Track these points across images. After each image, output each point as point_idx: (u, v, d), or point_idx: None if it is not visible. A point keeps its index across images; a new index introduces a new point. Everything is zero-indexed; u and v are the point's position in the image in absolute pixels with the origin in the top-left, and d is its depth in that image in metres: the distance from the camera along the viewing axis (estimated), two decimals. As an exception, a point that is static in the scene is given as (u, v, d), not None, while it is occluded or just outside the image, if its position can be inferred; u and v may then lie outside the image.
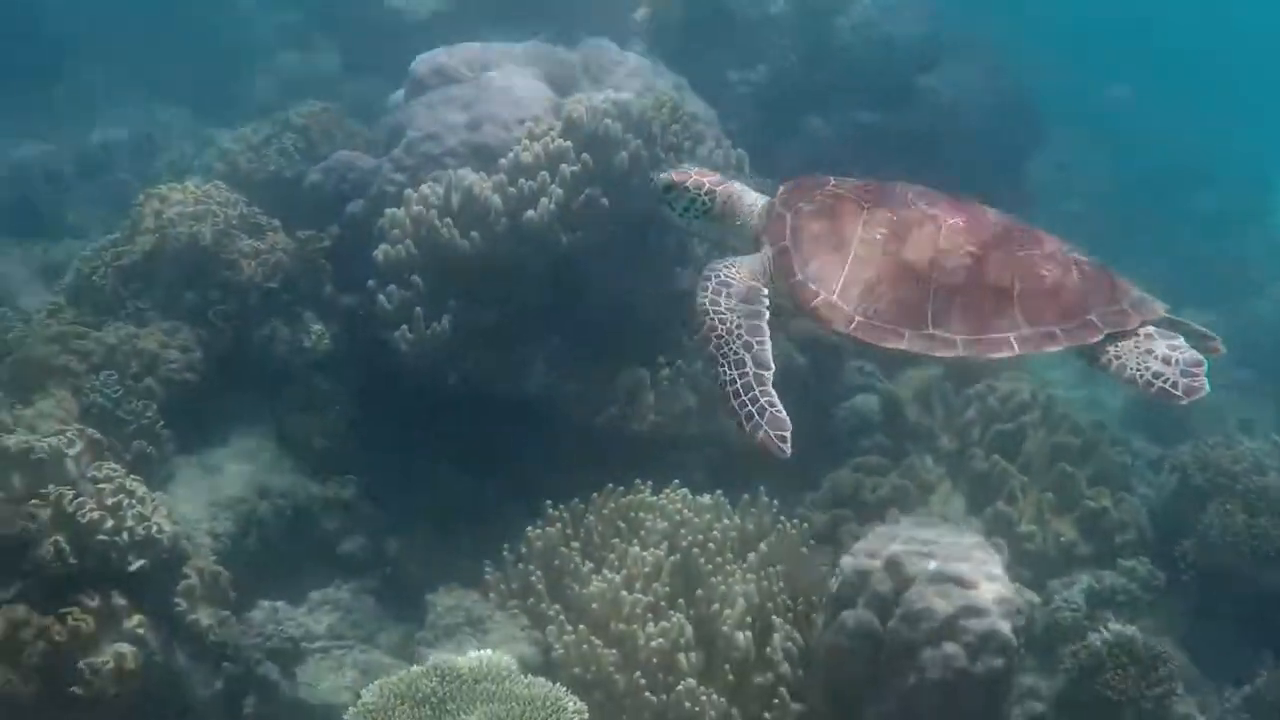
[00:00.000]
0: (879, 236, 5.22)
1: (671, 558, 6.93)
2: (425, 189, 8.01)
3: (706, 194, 5.64)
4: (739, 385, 5.03)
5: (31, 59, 15.60)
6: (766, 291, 5.31)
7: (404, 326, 7.68)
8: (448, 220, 7.70)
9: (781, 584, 6.87)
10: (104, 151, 13.99)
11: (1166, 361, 4.94)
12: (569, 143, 7.88)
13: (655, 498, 7.35)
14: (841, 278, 5.18)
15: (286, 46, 16.39)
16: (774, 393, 4.99)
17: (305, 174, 9.92)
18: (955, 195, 5.48)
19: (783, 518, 7.41)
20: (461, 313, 7.72)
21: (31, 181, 12.23)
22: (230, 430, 8.56)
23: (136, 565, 6.17)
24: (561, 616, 6.70)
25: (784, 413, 4.92)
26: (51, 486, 6.19)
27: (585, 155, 7.76)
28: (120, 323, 8.34)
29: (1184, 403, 4.90)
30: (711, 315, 5.22)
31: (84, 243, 11.49)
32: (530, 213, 7.65)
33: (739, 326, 5.16)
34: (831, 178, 5.57)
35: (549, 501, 7.38)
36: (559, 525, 7.24)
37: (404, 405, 8.38)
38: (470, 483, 8.39)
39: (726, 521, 7.25)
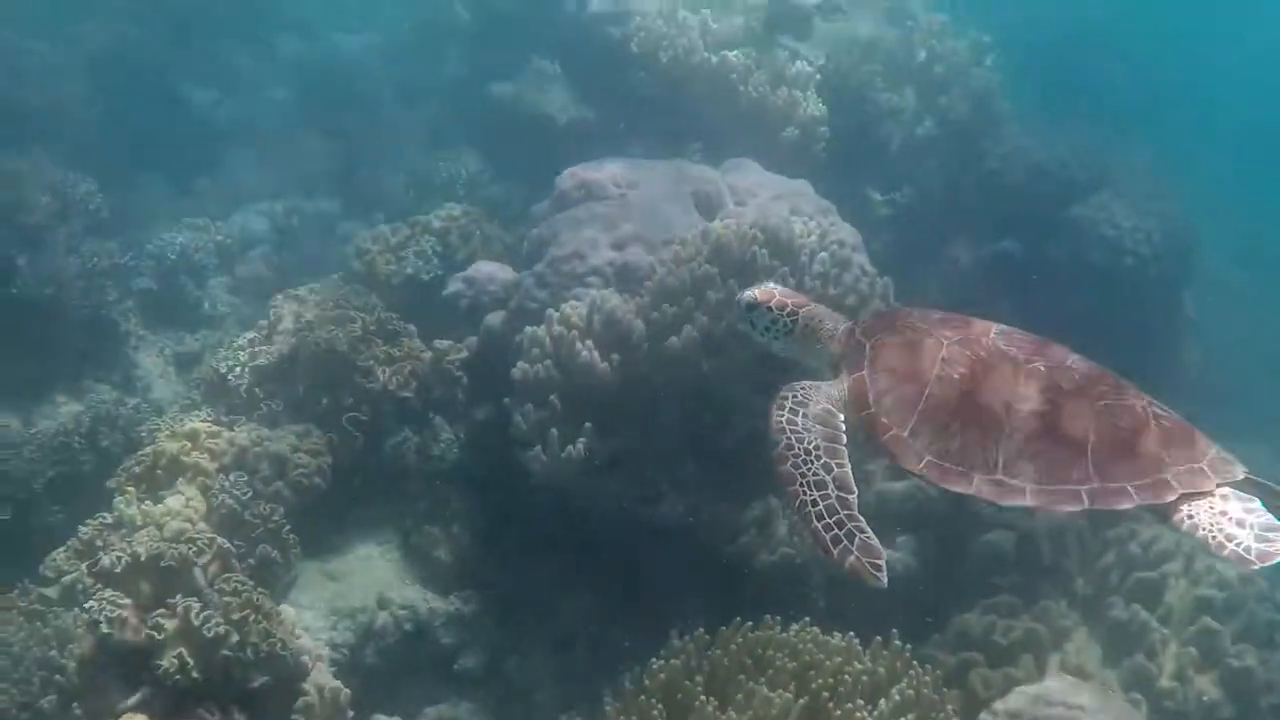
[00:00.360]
0: (956, 375, 5.17)
1: (800, 700, 6.66)
2: (567, 309, 7.93)
3: (789, 315, 5.68)
4: (822, 507, 4.99)
5: (185, 147, 15.92)
6: (842, 418, 5.29)
7: (538, 448, 7.57)
8: (589, 342, 7.61)
9: (913, 735, 6.60)
10: (243, 242, 14.13)
11: (1241, 525, 4.84)
12: (715, 269, 7.74)
13: (785, 635, 7.09)
14: (915, 415, 5.15)
15: (427, 146, 16.56)
16: (861, 518, 4.94)
17: (442, 278, 10.00)
18: (1040, 338, 5.43)
19: (915, 663, 7.12)
20: (597, 436, 7.59)
21: (172, 270, 12.36)
22: (355, 538, 8.60)
23: (259, 683, 6.07)
24: (684, 758, 6.47)
25: (875, 539, 4.87)
26: (179, 597, 6.13)
27: (732, 282, 7.62)
28: (253, 424, 8.36)
29: (1256, 567, 4.77)
30: (788, 433, 5.19)
31: (219, 334, 11.69)
32: (673, 339, 7.53)
33: (817, 447, 5.14)
34: (915, 310, 5.59)
35: (674, 631, 7.10)
36: (683, 657, 7.01)
37: (532, 522, 8.26)
38: (594, 604, 8.23)
39: (858, 665, 6.96)
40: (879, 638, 7.07)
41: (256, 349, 8.76)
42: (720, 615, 7.13)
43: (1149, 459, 4.98)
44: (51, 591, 7.54)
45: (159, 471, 7.97)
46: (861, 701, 6.58)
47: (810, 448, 5.15)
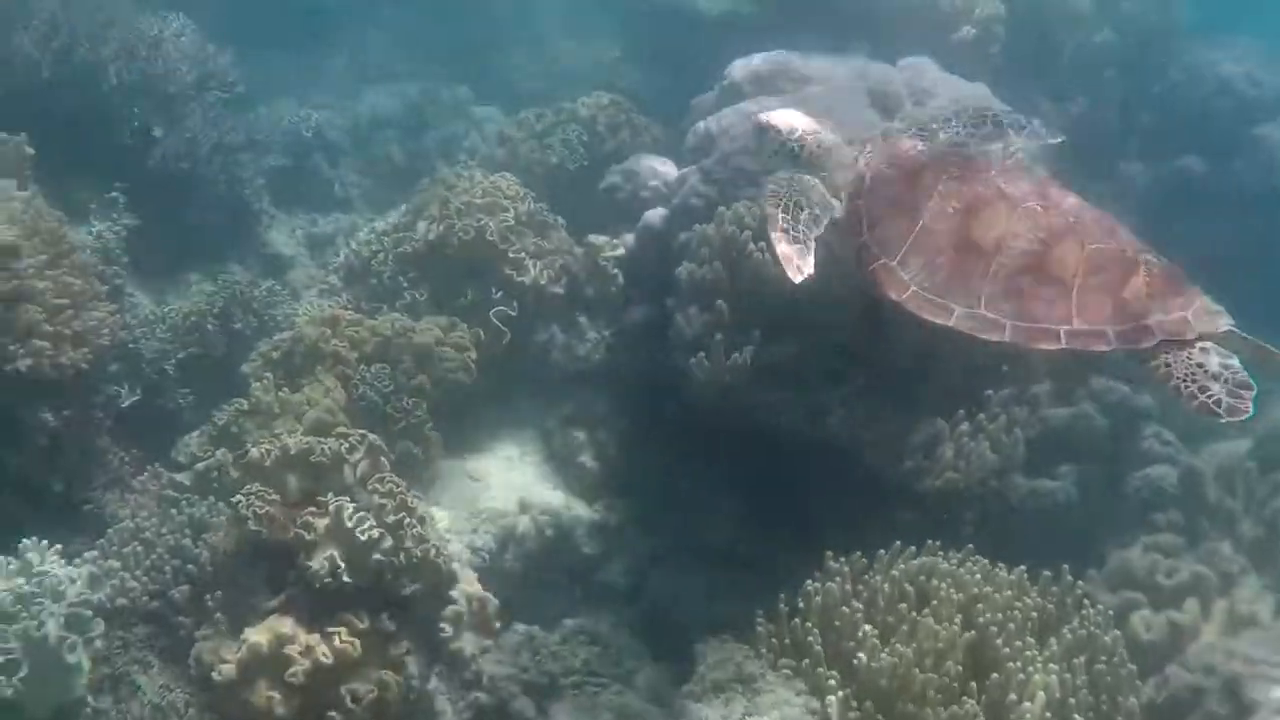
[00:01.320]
0: (951, 209, 5.37)
1: (966, 634, 6.30)
2: (741, 208, 7.48)
3: (797, 138, 5.80)
4: (790, 215, 5.56)
5: (313, 26, 15.62)
6: (825, 221, 5.67)
7: (701, 354, 7.18)
8: (763, 244, 7.19)
9: (1084, 678, 6.19)
10: (374, 124, 13.84)
11: (1215, 378, 4.96)
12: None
13: (951, 565, 6.71)
14: (905, 246, 5.38)
15: (562, 32, 16.16)
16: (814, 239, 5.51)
17: (587, 168, 9.78)
18: (1044, 178, 5.61)
19: (1086, 600, 6.71)
20: (765, 344, 7.19)
21: (306, 149, 12.10)
22: (497, 438, 8.34)
23: (410, 590, 5.81)
24: (843, 690, 6.13)
25: (812, 250, 5.48)
26: (330, 496, 5.87)
27: (918, 188, 7.17)
28: (396, 313, 8.07)
29: (1223, 420, 4.89)
30: (782, 184, 5.68)
31: (351, 217, 11.42)
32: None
33: (807, 199, 5.63)
34: (920, 143, 5.78)
35: (830, 553, 6.73)
36: (839, 580, 6.65)
37: (684, 431, 7.88)
38: (746, 521, 7.83)
39: (1028, 600, 6.58)
40: (1047, 572, 6.68)
41: (401, 235, 8.44)
42: (878, 541, 6.80)
43: (1132, 304, 5.09)
44: (184, 478, 7.39)
45: (297, 358, 7.76)
46: (1031, 640, 6.24)
47: (798, 197, 5.62)
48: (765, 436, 7.60)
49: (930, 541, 6.76)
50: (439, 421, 7.72)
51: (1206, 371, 4.99)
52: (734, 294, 7.26)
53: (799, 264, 5.43)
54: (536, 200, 8.72)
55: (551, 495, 8.04)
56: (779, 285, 6.57)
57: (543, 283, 8.17)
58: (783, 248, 5.46)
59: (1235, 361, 5.03)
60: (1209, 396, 4.92)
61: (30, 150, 8.23)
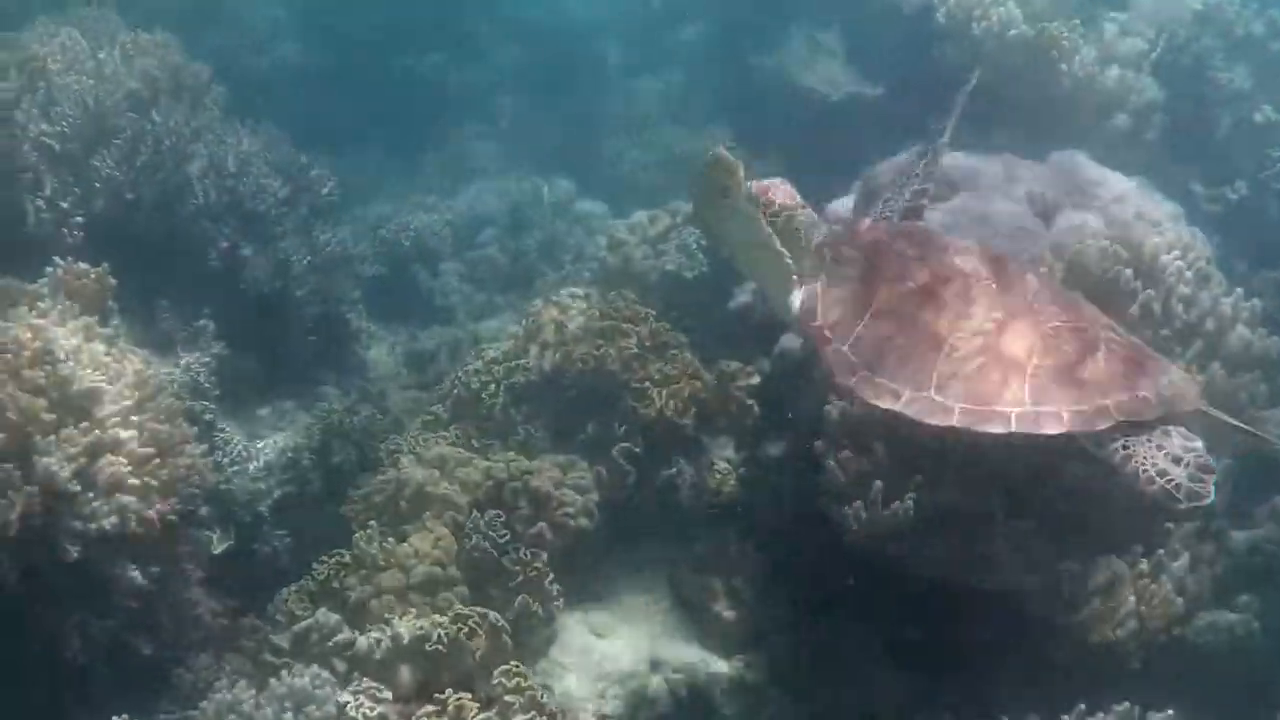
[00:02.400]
0: (907, 289, 5.37)
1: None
2: (897, 340, 6.85)
3: (771, 214, 5.68)
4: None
5: (411, 116, 15.37)
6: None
7: (858, 504, 6.52)
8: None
9: None
10: (474, 223, 13.42)
11: (1176, 461, 4.89)
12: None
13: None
14: (857, 329, 5.38)
15: (671, 118, 15.72)
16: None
17: (706, 275, 9.39)
18: (1001, 255, 5.56)
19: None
20: (927, 489, 6.52)
21: (403, 259, 11.69)
22: (620, 584, 7.72)
23: (541, 794, 5.19)
24: None
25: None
26: (450, 693, 5.27)
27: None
28: (510, 451, 7.52)
29: (1182, 507, 4.83)
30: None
31: (453, 330, 10.97)
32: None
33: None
34: (884, 224, 5.96)
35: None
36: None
37: (830, 579, 7.23)
38: (902, 678, 7.19)
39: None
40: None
41: (513, 364, 7.90)
42: (1057, 701, 6.20)
43: (1090, 384, 5.04)
44: (282, 639, 6.87)
45: (402, 503, 7.25)
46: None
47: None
48: (923, 586, 6.94)
49: (1123, 704, 6.11)
50: (558, 570, 7.12)
51: (1167, 454, 4.92)
52: (893, 435, 6.60)
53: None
54: (658, 318, 8.12)
55: (684, 650, 7.41)
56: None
57: (669, 414, 7.55)
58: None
59: (1199, 444, 4.97)
60: (1168, 481, 4.85)
61: (112, 280, 7.82)
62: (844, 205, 8.48)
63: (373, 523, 7.12)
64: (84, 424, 6.56)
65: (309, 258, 9.58)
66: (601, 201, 14.08)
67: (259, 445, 8.54)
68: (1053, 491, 6.60)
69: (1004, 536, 6.71)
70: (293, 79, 15.65)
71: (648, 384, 7.59)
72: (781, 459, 7.63)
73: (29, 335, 6.88)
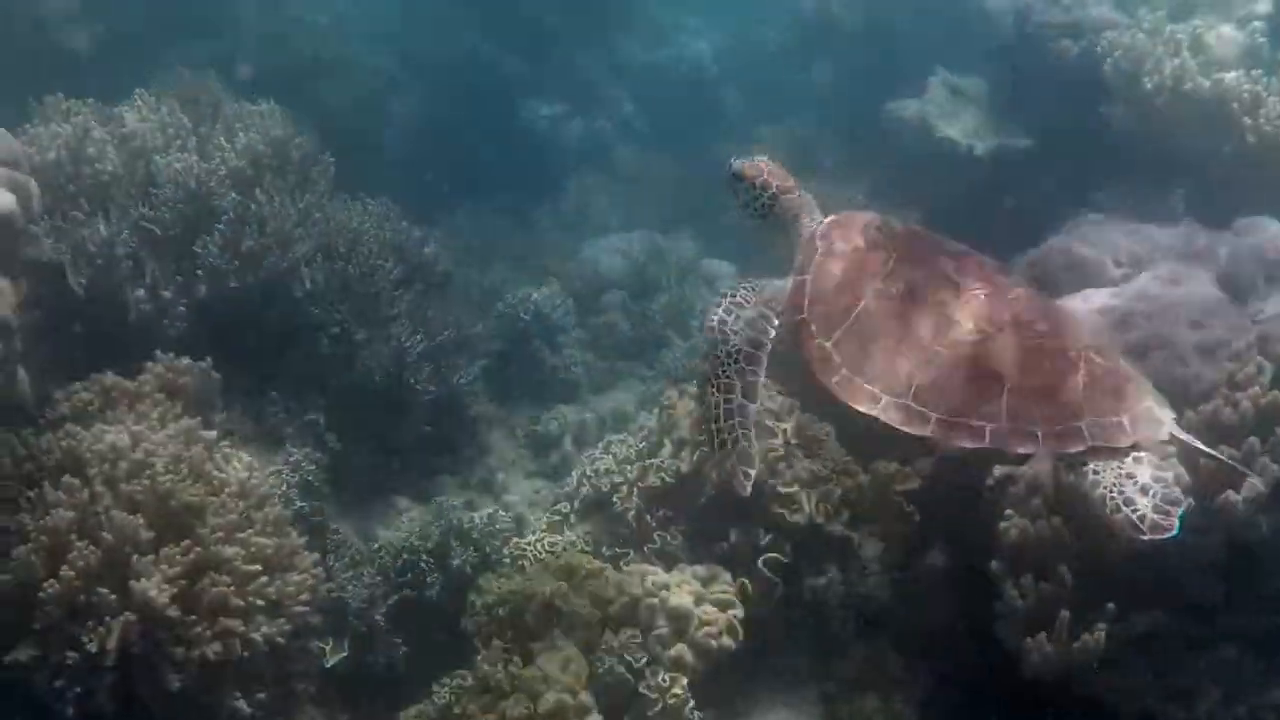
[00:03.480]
0: (894, 292, 5.42)
1: None
2: (1084, 445, 6.24)
3: (769, 196, 5.91)
4: (721, 410, 5.67)
5: (526, 170, 15.36)
6: (776, 323, 5.72)
7: (1041, 635, 5.90)
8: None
9: None
10: (595, 287, 12.97)
11: (1144, 491, 4.95)
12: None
13: None
14: (842, 327, 5.42)
15: (804, 170, 15.18)
16: (752, 430, 5.69)
17: None
18: (993, 265, 5.59)
19: None
20: (1118, 617, 5.88)
21: (523, 335, 11.25)
22: (763, 701, 7.16)
23: None
24: None
25: (755, 452, 5.70)
26: None
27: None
28: (645, 563, 7.02)
29: (1144, 539, 4.86)
30: (717, 333, 5.75)
31: (576, 409, 10.56)
32: (1230, 495, 5.71)
33: (739, 351, 5.68)
34: (880, 218, 5.85)
35: None
36: None
37: (1004, 702, 6.60)
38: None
39: None
40: None
41: (646, 463, 7.40)
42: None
43: (1067, 405, 5.11)
44: (403, 770, 6.48)
45: (528, 617, 6.75)
46: None
47: (732, 351, 5.68)
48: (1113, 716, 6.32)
49: None
50: (699, 695, 6.64)
51: (1136, 483, 4.97)
52: (1077, 556, 5.99)
53: (742, 481, 5.72)
54: (802, 408, 7.57)
55: (840, 779, 6.82)
56: (1131, 542, 5.39)
57: (819, 520, 7.00)
58: (729, 464, 5.74)
59: (1169, 474, 5.05)
60: (1133, 511, 4.90)
61: (216, 376, 7.56)
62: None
63: (496, 641, 6.66)
64: (185, 542, 6.25)
65: (425, 343, 9.13)
66: (728, 261, 13.56)
67: (373, 547, 8.11)
68: (1263, 606, 6.11)
69: (1202, 666, 6.12)
70: (404, 134, 15.46)
71: (795, 486, 7.04)
72: (945, 570, 7.03)
73: (127, 443, 6.62)
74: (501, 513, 8.60)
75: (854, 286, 5.50)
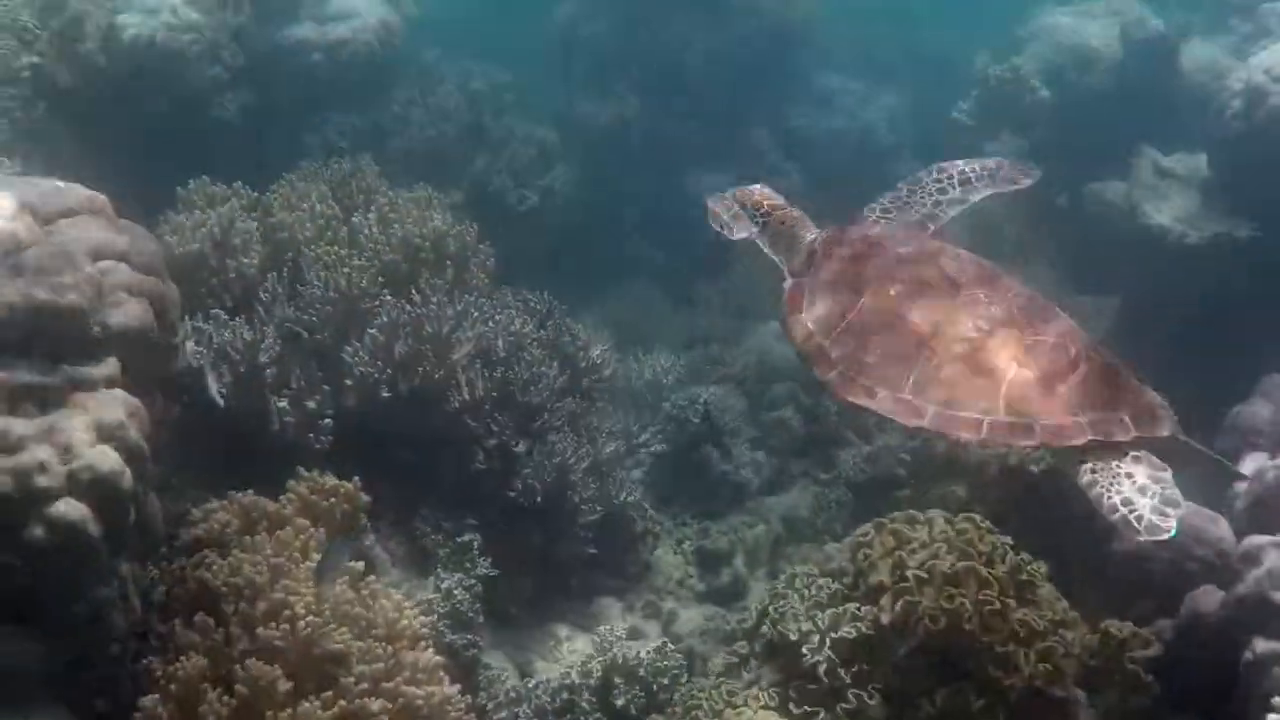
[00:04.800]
0: (893, 291, 5.51)
1: None
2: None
3: (761, 215, 6.02)
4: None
5: (688, 244, 14.89)
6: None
7: None
8: None
9: None
10: (765, 377, 12.46)
11: (1142, 491, 5.00)
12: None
13: None
14: (840, 326, 5.53)
15: (980, 253, 14.56)
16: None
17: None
18: (993, 266, 5.67)
19: None
20: None
21: (693, 439, 10.70)
22: None
23: None
24: None
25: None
26: None
27: None
28: (838, 725, 6.37)
29: (1140, 539, 4.92)
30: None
31: (749, 522, 10.01)
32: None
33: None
34: (879, 225, 6.00)
35: None
36: None
37: None
38: None
39: None
40: None
41: (840, 610, 6.73)
42: None
43: (1065, 400, 5.17)
44: None
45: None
46: None
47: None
48: None
49: None
50: None
51: (1134, 483, 5.02)
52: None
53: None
54: (1012, 546, 6.87)
55: None
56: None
57: (1038, 684, 6.27)
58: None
59: (1168, 474, 5.06)
60: (1130, 510, 4.92)
61: (365, 497, 7.11)
62: (1258, 414, 7.12)
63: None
64: (327, 694, 5.83)
65: (590, 457, 8.59)
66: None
67: (530, 684, 7.60)
68: None
69: None
70: (564, 205, 15.11)
71: (1011, 645, 6.33)
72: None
73: (266, 579, 6.18)
74: (670, 646, 7.98)
75: (852, 287, 5.61)
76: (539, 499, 8.37)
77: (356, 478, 7.06)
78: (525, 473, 8.35)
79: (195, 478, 7.26)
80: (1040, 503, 8.02)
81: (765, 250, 6.08)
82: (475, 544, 7.92)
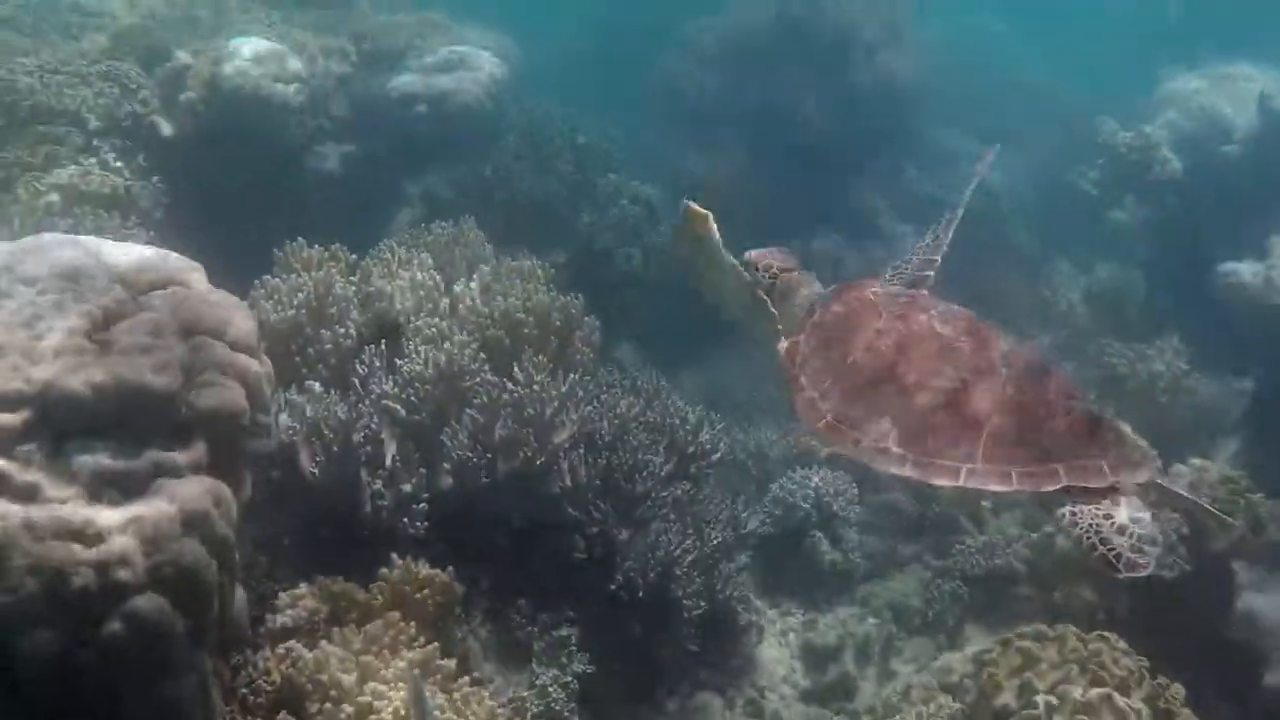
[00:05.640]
0: (883, 347, 5.70)
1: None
2: None
3: (770, 276, 6.16)
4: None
5: None
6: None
7: None
8: None
9: None
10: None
11: (1121, 531, 5.06)
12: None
13: None
14: (830, 379, 5.72)
15: (1103, 321, 14.16)
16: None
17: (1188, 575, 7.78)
18: (980, 320, 5.81)
19: None
20: None
21: (800, 524, 10.35)
22: None
23: None
24: None
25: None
26: None
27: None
28: None
29: (1120, 576, 4.99)
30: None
31: (857, 615, 9.67)
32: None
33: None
34: (877, 284, 6.12)
35: None
36: None
37: None
38: None
39: None
40: None
41: (967, 733, 6.38)
42: None
43: (1044, 447, 5.33)
44: None
45: None
46: None
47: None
48: None
49: None
50: None
51: (1113, 524, 5.10)
52: None
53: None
54: (1150, 670, 6.50)
55: None
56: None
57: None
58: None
59: (1147, 515, 5.16)
60: (1109, 549, 5.00)
61: (459, 588, 6.88)
62: None
63: None
64: None
65: (695, 550, 8.24)
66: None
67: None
68: None
69: None
70: (668, 265, 14.72)
71: (1149, 786, 5.93)
72: None
73: (353, 678, 5.91)
74: (785, 743, 7.63)
75: (844, 343, 5.80)
76: (641, 593, 8.02)
77: (450, 568, 6.80)
78: (627, 565, 8.02)
79: (283, 556, 7.08)
80: (1178, 613, 7.67)
81: (772, 310, 6.17)
82: (572, 638, 7.60)
